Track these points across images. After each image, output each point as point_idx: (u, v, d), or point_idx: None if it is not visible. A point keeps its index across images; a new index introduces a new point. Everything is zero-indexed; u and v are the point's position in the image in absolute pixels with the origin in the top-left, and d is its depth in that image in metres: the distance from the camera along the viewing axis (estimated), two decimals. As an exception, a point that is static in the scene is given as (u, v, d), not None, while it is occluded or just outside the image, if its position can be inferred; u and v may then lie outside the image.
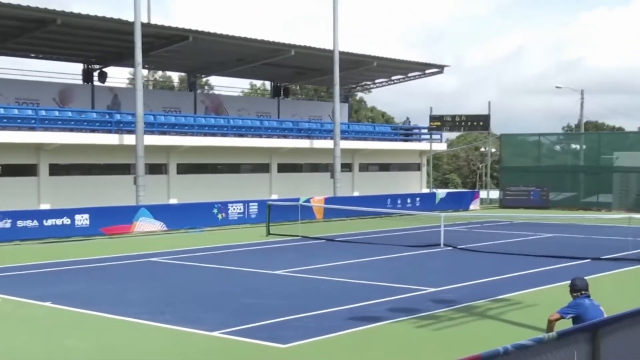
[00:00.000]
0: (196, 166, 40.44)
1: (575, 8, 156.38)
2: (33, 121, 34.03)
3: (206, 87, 61.37)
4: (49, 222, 28.35)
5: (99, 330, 13.06)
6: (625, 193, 43.73)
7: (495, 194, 51.64)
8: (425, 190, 51.09)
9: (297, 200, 34.50)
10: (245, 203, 35.12)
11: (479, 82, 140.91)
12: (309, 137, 44.68)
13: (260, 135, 42.54)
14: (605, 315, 8.38)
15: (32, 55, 40.22)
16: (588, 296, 9.08)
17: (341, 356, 11.18)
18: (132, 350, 11.62)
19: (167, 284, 18.19)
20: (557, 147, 50.72)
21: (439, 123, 50.20)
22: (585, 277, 9.60)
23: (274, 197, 40.58)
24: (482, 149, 73.87)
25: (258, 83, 73.13)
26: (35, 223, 27.96)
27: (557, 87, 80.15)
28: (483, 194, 51.55)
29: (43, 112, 35.07)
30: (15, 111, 34.31)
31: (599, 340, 7.59)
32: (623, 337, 8.08)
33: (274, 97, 51.87)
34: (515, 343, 6.39)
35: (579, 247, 25.62)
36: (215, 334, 12.49)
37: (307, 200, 35.48)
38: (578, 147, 49.26)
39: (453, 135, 73.63)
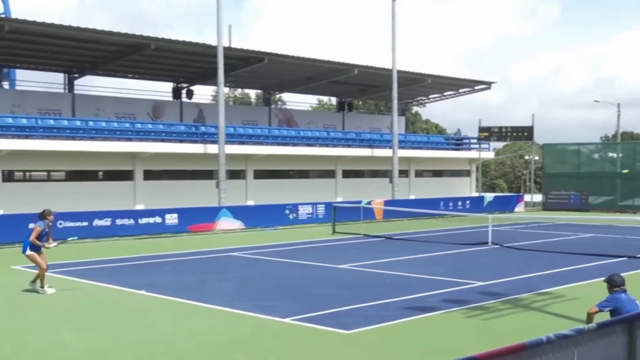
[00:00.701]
0: (270, 172, 40.67)
1: (612, 29, 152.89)
2: (130, 133, 34.66)
3: (279, 103, 61.70)
4: (143, 221, 28.80)
5: (185, 315, 13.19)
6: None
7: (538, 197, 50.78)
8: (475, 194, 50.47)
9: (360, 202, 34.39)
10: (314, 205, 35.16)
11: (523, 96, 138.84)
12: (370, 146, 44.55)
13: (326, 145, 42.58)
14: (641, 309, 8.14)
15: (129, 75, 40.99)
16: (624, 291, 8.82)
17: (399, 341, 11.07)
18: (213, 333, 11.70)
19: (244, 276, 18.28)
20: (596, 156, 49.55)
21: (487, 133, 49.65)
22: (622, 274, 9.33)
23: (339, 199, 40.55)
24: (526, 157, 72.63)
25: (325, 99, 73.22)
26: (132, 221, 28.44)
27: (595, 101, 78.51)
28: (527, 197, 50.67)
29: (138, 125, 35.71)
30: (115, 124, 35.02)
31: (635, 332, 7.39)
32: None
33: (339, 111, 51.89)
34: (557, 333, 6.23)
35: (616, 246, 24.95)
36: (287, 320, 12.50)
37: (369, 203, 35.35)
38: (615, 155, 48.09)
39: (500, 144, 72.81)
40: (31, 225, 16.11)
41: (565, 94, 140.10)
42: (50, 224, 15.57)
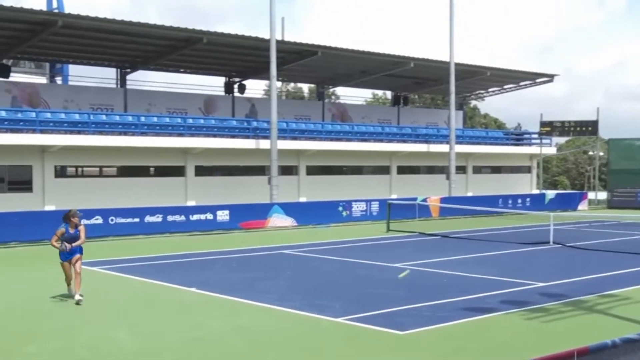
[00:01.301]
0: (323, 168, 40.70)
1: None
2: (181, 128, 35.06)
3: (333, 97, 61.79)
4: (195, 217, 29.15)
5: (235, 313, 13.28)
6: None
7: (602, 195, 49.85)
8: (535, 191, 49.77)
9: (415, 199, 34.23)
10: (368, 202, 35.10)
11: (587, 89, 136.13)
12: (426, 141, 44.22)
13: (381, 140, 42.42)
14: None
15: (181, 70, 41.43)
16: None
17: (456, 343, 10.96)
18: (264, 332, 11.74)
19: (296, 274, 18.34)
20: (665, 151, 48.35)
21: (549, 128, 48.97)
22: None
23: (394, 196, 40.38)
24: (590, 153, 71.39)
25: (379, 92, 73.04)
26: (183, 218, 28.81)
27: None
28: (591, 195, 49.73)
29: (190, 120, 36.07)
30: (167, 119, 35.45)
31: None
32: None
33: (394, 106, 51.64)
34: (623, 337, 6.08)
35: (686, 246, 24.35)
36: (339, 320, 12.48)
37: (424, 200, 35.16)
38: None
39: (562, 139, 71.57)
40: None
41: (631, 86, 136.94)
42: (80, 225, 14.38)
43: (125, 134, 33.20)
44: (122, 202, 30.41)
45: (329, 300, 14.34)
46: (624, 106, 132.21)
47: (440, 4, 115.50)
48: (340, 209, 33.93)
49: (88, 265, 19.37)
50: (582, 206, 44.46)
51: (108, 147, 32.33)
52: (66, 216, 14.23)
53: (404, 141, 43.55)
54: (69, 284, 14.38)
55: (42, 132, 30.73)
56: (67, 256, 14.05)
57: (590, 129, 49.32)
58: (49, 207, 30.22)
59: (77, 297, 13.88)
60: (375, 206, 34.99)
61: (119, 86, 38.59)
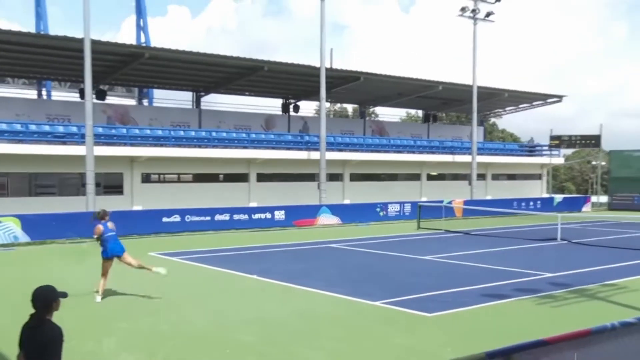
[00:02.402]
0: (364, 175, 40.63)
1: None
2: (246, 142, 35.33)
3: (373, 115, 61.61)
4: (256, 216, 29.32)
5: (290, 297, 13.36)
6: None
7: (604, 199, 48.78)
8: (545, 195, 48.92)
9: (442, 202, 33.93)
10: (401, 204, 34.92)
11: (591, 108, 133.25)
12: (451, 153, 43.85)
13: (413, 152, 42.19)
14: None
15: (246, 93, 41.71)
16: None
17: (475, 324, 10.87)
18: (315, 313, 11.80)
19: (341, 264, 18.35)
20: (659, 161, 47.07)
21: (558, 141, 48.15)
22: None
23: (424, 199, 40.10)
24: (594, 163, 69.77)
25: (412, 111, 72.57)
26: (246, 216, 29.00)
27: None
28: (594, 198, 48.71)
29: (253, 135, 36.36)
30: (234, 134, 35.77)
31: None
32: None
33: (424, 122, 51.32)
34: (621, 320, 5.98)
35: (678, 243, 23.71)
36: (377, 303, 12.48)
37: (450, 202, 34.83)
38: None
39: (569, 151, 70.01)
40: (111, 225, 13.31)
41: (631, 105, 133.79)
42: (109, 222, 13.10)
43: (199, 146, 33.58)
44: (196, 203, 30.78)
45: (369, 287, 14.34)
46: (625, 122, 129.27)
47: (466, 36, 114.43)
48: (378, 209, 33.82)
49: (168, 255, 19.71)
50: (586, 208, 43.58)
51: (185, 158, 32.73)
52: (101, 216, 13.07)
53: (433, 152, 43.25)
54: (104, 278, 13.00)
55: (131, 145, 31.31)
56: (107, 254, 12.88)
57: (594, 142, 48.36)
58: (137, 207, 30.78)
59: (98, 297, 12.80)
60: (407, 207, 34.79)
61: (194, 107, 39.07)
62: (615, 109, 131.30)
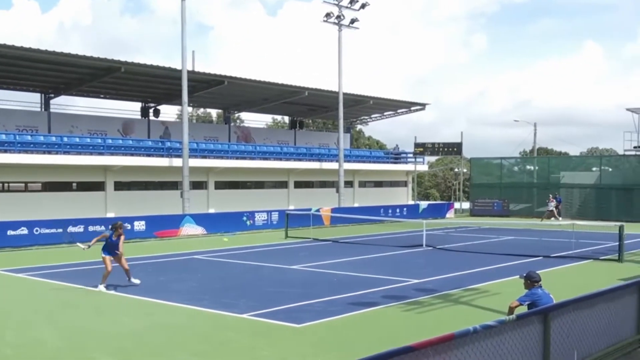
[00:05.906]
0: (230, 183, 40.45)
1: (530, 58, 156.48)
2: (102, 148, 34.11)
3: (238, 121, 61.42)
4: (114, 227, 28.26)
5: (149, 312, 13.01)
6: (570, 204, 43.53)
7: (466, 205, 51.46)
8: (411, 202, 50.93)
9: (310, 210, 34.39)
10: (268, 212, 35.03)
11: (452, 116, 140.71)
12: (319, 160, 44.63)
13: (280, 159, 42.55)
14: (555, 302, 8.30)
15: (102, 95, 40.32)
16: (541, 286, 8.97)
17: (345, 333, 11.08)
18: (178, 327, 11.55)
19: (205, 276, 18.12)
20: (515, 168, 50.36)
21: (422, 149, 50.20)
22: (538, 271, 9.49)
23: (291, 207, 40.50)
24: (456, 169, 73.68)
25: (279, 117, 73.28)
26: (103, 228, 27.87)
27: (514, 120, 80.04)
28: (457, 205, 51.31)
29: (109, 141, 35.18)
30: (88, 140, 34.41)
31: (549, 322, 7.56)
32: (568, 318, 8.05)
33: (291, 129, 51.85)
34: (482, 324, 6.31)
35: (533, 247, 25.45)
36: (244, 315, 12.43)
37: (318, 210, 35.37)
38: (532, 167, 49.01)
39: (433, 158, 73.44)
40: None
41: (489, 114, 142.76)
42: (122, 235, 15.93)
43: (49, 152, 32.01)
44: (47, 214, 29.25)
45: (235, 299, 14.25)
46: (483, 131, 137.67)
47: (332, 42, 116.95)
48: (245, 218, 33.73)
49: (14, 272, 18.57)
50: (450, 214, 45.74)
51: (33, 165, 31.06)
52: (115, 226, 15.96)
53: (300, 159, 43.81)
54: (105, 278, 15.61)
55: (-30, 151, 29.25)
56: (109, 252, 15.69)
57: (455, 149, 50.88)
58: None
59: (102, 287, 15.38)
60: (275, 216, 34.95)
61: (42, 109, 37.15)
62: (475, 117, 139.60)
